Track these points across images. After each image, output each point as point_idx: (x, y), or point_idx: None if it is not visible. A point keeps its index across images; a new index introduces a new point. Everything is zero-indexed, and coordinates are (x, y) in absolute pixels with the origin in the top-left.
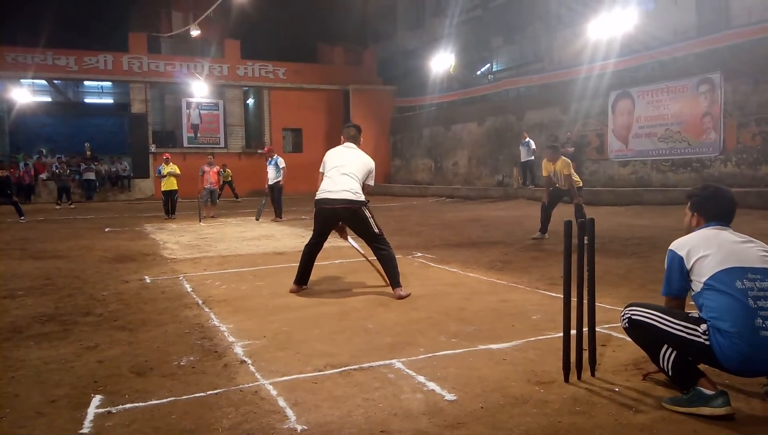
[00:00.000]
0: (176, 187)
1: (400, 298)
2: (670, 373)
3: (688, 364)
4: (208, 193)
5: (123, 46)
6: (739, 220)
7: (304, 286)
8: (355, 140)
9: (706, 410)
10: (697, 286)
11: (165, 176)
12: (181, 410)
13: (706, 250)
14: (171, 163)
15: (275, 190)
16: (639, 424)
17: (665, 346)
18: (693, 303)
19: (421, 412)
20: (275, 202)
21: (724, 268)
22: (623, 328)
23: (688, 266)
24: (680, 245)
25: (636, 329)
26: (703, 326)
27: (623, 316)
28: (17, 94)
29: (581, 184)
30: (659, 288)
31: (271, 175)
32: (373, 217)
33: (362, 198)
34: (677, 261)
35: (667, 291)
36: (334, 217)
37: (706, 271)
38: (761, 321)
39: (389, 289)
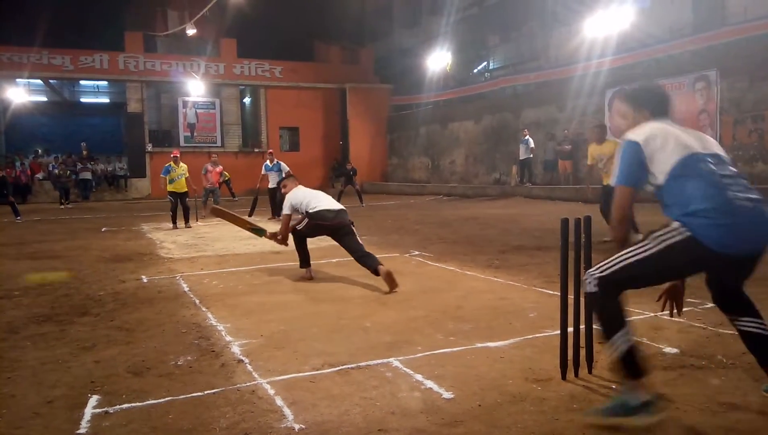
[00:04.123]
0: (186, 190)
1: (388, 273)
2: (617, 356)
3: (638, 357)
4: (208, 193)
5: (119, 45)
6: None
7: (309, 268)
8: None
9: (633, 420)
10: (658, 178)
11: (173, 180)
12: (179, 410)
13: (663, 141)
14: (181, 164)
15: (279, 191)
16: None
17: (625, 329)
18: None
19: (418, 410)
20: (278, 202)
21: (685, 155)
22: (589, 293)
23: (647, 154)
24: (636, 135)
25: (608, 288)
26: (674, 224)
27: (588, 281)
28: (13, 94)
29: None
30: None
31: (276, 179)
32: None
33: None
34: (635, 149)
35: (624, 180)
36: (330, 230)
37: (668, 161)
38: (732, 193)
39: (386, 288)
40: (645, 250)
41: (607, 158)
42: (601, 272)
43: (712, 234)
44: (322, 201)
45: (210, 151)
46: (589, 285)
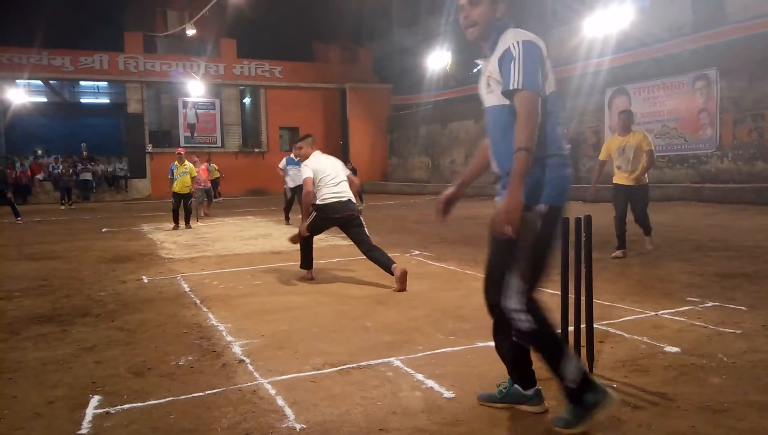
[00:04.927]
0: (191, 190)
1: (404, 272)
2: (577, 383)
3: (589, 375)
4: (203, 192)
5: (119, 45)
6: (737, 215)
7: (310, 269)
8: (316, 145)
9: (600, 413)
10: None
11: (176, 178)
12: (180, 410)
13: (548, 65)
14: (186, 162)
15: (298, 193)
16: (637, 420)
17: (568, 350)
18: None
19: (419, 409)
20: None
21: (553, 91)
22: (526, 332)
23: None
24: (529, 38)
25: (535, 312)
26: (540, 207)
27: (518, 319)
28: (13, 95)
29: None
30: (657, 284)
31: (298, 178)
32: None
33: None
34: (539, 51)
35: (531, 84)
36: (339, 222)
37: (549, 87)
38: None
39: (387, 288)
40: (523, 250)
41: (632, 152)
42: (516, 297)
43: (561, 186)
44: (334, 185)
45: (204, 153)
46: (523, 323)
